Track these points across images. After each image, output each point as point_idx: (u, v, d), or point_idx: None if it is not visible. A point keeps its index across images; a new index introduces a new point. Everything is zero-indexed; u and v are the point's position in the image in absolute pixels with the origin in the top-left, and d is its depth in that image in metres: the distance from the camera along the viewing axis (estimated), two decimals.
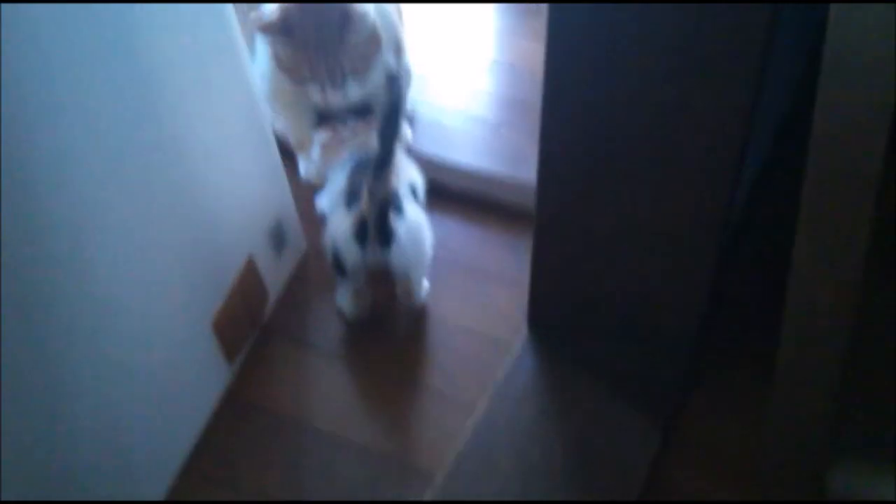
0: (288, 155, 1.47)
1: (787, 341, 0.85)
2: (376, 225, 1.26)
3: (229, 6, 1.18)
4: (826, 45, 0.67)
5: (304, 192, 1.55)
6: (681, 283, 1.18)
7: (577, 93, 1.04)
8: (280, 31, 1.37)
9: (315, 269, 1.51)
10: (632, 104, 1.01)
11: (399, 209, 1.29)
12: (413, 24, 1.81)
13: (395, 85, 1.22)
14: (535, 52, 1.86)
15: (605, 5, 0.93)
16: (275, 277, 1.44)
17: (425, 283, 1.45)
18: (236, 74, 1.22)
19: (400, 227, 1.28)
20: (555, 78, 1.03)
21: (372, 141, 1.39)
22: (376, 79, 1.45)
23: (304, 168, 1.52)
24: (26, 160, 0.86)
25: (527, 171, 1.56)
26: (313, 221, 1.54)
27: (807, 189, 0.75)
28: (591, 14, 0.95)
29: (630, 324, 1.27)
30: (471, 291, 1.48)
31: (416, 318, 1.44)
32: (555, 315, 1.33)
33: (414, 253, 1.33)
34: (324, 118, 1.52)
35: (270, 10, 1.37)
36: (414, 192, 1.37)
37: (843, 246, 0.75)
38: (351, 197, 1.30)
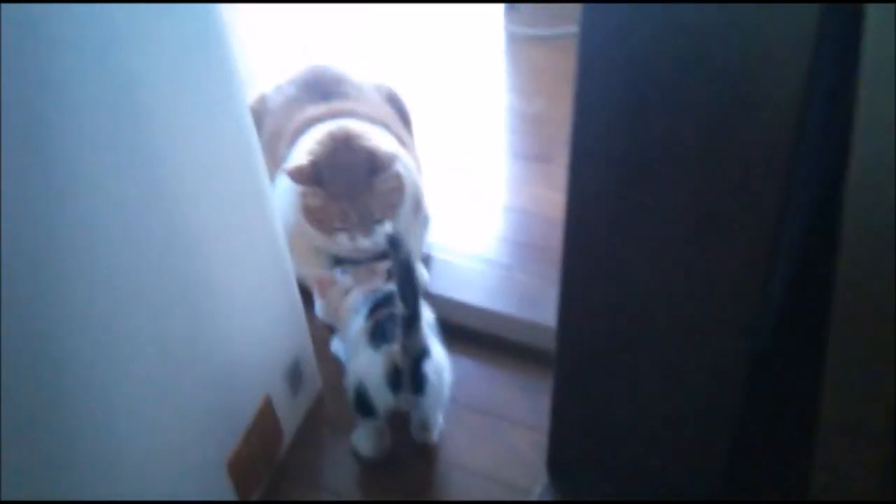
0: (303, 293, 1.49)
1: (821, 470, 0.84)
2: (411, 374, 1.27)
3: (259, 154, 1.23)
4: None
5: (320, 332, 1.56)
6: (706, 423, 1.17)
7: (597, 239, 1.06)
8: (311, 181, 1.40)
9: (329, 409, 1.50)
10: (653, 254, 1.03)
11: (428, 354, 1.29)
12: (429, 171, 1.87)
13: (398, 246, 1.21)
14: (546, 199, 1.94)
15: (626, 156, 0.97)
16: (290, 417, 1.43)
17: (440, 420, 1.44)
18: (261, 213, 1.26)
19: (430, 370, 1.28)
20: (575, 224, 1.06)
21: (379, 281, 1.46)
22: (401, 226, 1.48)
23: (320, 308, 1.53)
24: (44, 299, 0.88)
25: (542, 314, 1.59)
26: (328, 361, 1.54)
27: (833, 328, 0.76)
28: (612, 162, 0.98)
29: (655, 464, 1.25)
30: (487, 434, 1.46)
31: (430, 461, 1.42)
32: (576, 459, 1.31)
33: (440, 392, 1.33)
34: (339, 261, 1.55)
35: (298, 158, 1.41)
36: (431, 328, 1.38)
37: (879, 363, 0.75)
38: (375, 338, 1.30)
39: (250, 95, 1.69)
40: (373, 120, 1.63)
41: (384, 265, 1.49)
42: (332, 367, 1.54)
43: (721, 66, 0.87)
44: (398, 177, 1.46)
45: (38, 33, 0.81)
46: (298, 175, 1.39)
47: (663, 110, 0.92)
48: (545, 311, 1.38)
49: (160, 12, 0.97)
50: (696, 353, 1.10)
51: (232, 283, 1.21)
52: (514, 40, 2.64)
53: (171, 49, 1.00)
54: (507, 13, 2.71)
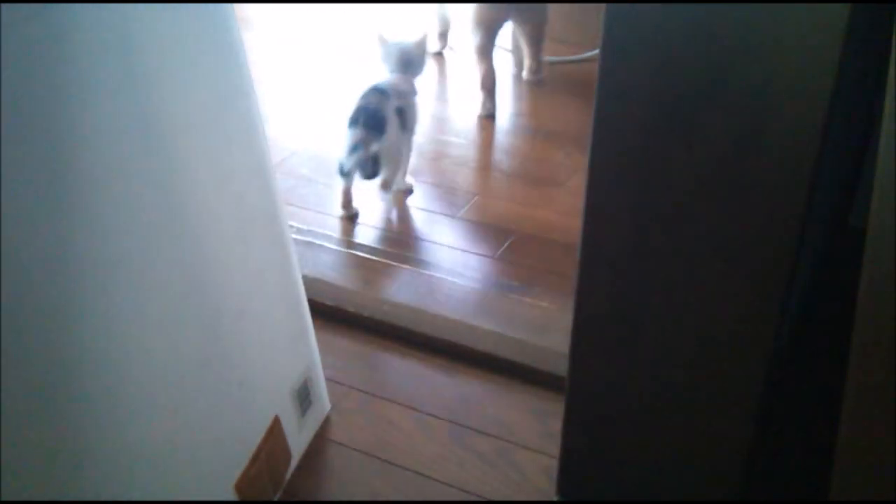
0: (315, 312, 1.49)
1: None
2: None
3: (273, 173, 1.23)
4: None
5: (329, 356, 1.56)
6: (722, 449, 1.16)
7: (613, 263, 1.06)
8: None
9: (337, 431, 1.49)
10: (669, 279, 1.03)
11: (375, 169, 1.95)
12: (439, 194, 1.88)
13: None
14: (557, 224, 1.95)
15: (645, 181, 0.97)
16: (298, 439, 1.42)
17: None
18: (273, 232, 1.26)
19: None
20: (591, 248, 1.06)
21: None
22: None
23: None
24: (57, 318, 0.87)
25: (552, 338, 1.58)
26: (338, 383, 1.54)
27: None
28: (630, 186, 0.99)
29: (669, 491, 1.23)
30: (496, 458, 1.45)
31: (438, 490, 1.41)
32: (587, 484, 1.30)
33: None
34: None
35: None
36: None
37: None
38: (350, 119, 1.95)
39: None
40: None
41: None
42: (342, 392, 1.54)
43: (741, 92, 0.87)
44: None
45: (60, 49, 0.81)
46: None
47: (682, 135, 0.93)
48: (555, 336, 1.38)
49: (187, 43, 0.97)
50: (712, 378, 1.10)
51: (243, 301, 1.20)
52: (524, 66, 2.65)
53: (192, 73, 1.01)
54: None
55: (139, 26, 0.91)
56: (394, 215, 2.08)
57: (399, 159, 2.06)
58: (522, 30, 2.53)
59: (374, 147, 1.94)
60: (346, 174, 1.97)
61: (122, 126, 0.90)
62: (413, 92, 2.12)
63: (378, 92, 2.02)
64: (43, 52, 0.79)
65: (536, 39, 2.53)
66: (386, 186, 2.03)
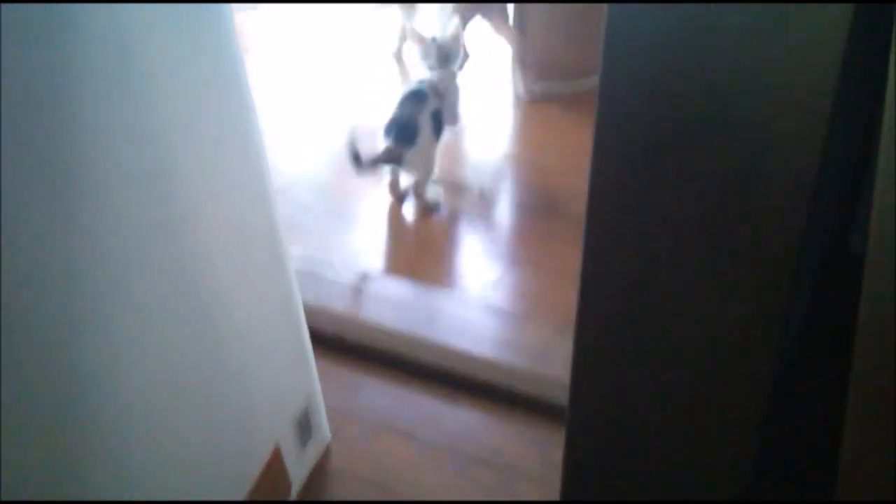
0: (316, 341, 1.49)
1: None
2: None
3: (274, 201, 1.24)
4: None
5: (330, 384, 1.55)
6: (724, 477, 1.15)
7: (613, 292, 1.06)
8: None
9: (337, 460, 1.49)
10: (669, 307, 1.03)
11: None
12: (438, 225, 1.88)
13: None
14: (556, 252, 1.95)
15: (644, 209, 0.97)
16: (298, 469, 1.41)
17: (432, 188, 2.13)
18: (274, 260, 1.26)
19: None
20: (591, 276, 1.06)
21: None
22: None
23: None
24: (57, 344, 0.88)
25: (552, 366, 1.58)
26: (338, 412, 1.53)
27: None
28: (629, 215, 0.99)
29: None
30: (497, 488, 1.44)
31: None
32: None
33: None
34: None
35: None
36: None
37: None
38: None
39: None
40: None
41: None
42: (343, 421, 1.53)
43: (739, 125, 0.88)
44: None
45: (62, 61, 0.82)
46: None
47: (681, 167, 0.93)
48: (555, 364, 1.37)
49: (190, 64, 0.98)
50: (714, 408, 1.10)
51: (244, 329, 1.20)
52: (522, 96, 2.67)
53: (194, 98, 1.02)
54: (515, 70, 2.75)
55: (142, 49, 0.91)
56: (392, 242, 2.08)
57: (427, 164, 2.16)
58: (494, 28, 2.70)
59: (404, 155, 2.08)
60: (360, 167, 2.04)
61: (123, 149, 0.91)
62: (454, 88, 2.25)
63: (415, 98, 2.13)
64: (44, 70, 0.80)
65: (512, 43, 2.69)
66: (419, 192, 2.16)
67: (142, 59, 0.91)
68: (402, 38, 3.00)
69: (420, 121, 2.09)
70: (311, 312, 1.49)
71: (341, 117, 2.60)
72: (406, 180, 2.19)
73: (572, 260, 1.05)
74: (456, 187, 2.27)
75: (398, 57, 3.02)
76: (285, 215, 1.28)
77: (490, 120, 2.60)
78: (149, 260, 0.98)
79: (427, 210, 2.17)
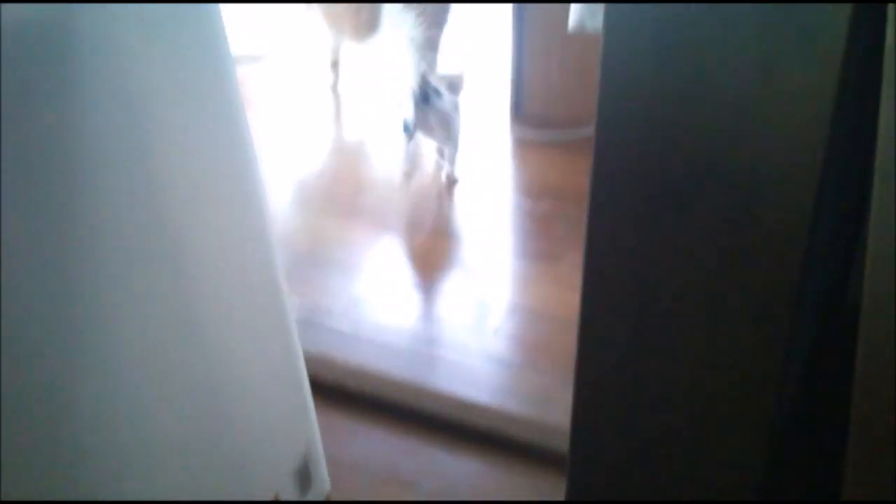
0: (316, 389, 1.49)
1: None
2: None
3: (275, 249, 1.25)
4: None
5: (329, 434, 1.55)
6: None
7: (612, 338, 1.07)
8: None
9: None
10: (669, 353, 1.04)
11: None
12: (437, 271, 1.89)
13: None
14: (556, 298, 1.95)
15: (641, 255, 0.98)
16: None
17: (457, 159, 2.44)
18: (274, 307, 1.26)
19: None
20: (590, 323, 1.07)
21: None
22: None
23: None
24: (69, 405, 0.88)
25: (552, 414, 1.58)
26: (338, 462, 1.52)
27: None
28: (626, 261, 1.00)
29: None
30: None
31: None
32: None
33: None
34: None
35: None
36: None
37: None
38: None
39: None
40: None
41: None
42: (343, 471, 1.52)
43: (733, 172, 0.90)
44: None
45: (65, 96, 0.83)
46: None
47: (676, 211, 0.94)
48: (556, 412, 1.37)
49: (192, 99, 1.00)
50: (714, 455, 1.09)
51: (245, 377, 1.20)
52: (520, 144, 2.71)
53: (198, 149, 1.04)
54: (514, 119, 2.79)
55: (148, 107, 0.93)
56: (390, 291, 2.09)
57: (452, 126, 2.44)
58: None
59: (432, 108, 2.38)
60: (408, 130, 2.36)
61: (125, 202, 0.92)
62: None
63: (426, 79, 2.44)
64: (48, 119, 0.82)
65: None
66: (451, 156, 2.47)
67: (148, 118, 0.93)
68: (335, 68, 3.20)
69: (439, 85, 2.40)
70: (310, 361, 1.49)
71: (342, 168, 2.63)
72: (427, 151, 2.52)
73: (572, 307, 1.06)
74: (453, 235, 2.28)
75: (334, 89, 3.21)
76: (285, 264, 1.30)
77: (487, 164, 2.63)
78: (151, 311, 0.99)
79: (451, 181, 2.47)
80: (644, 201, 0.96)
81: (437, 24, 2.72)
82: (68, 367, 0.87)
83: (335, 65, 3.16)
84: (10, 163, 0.76)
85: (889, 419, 0.78)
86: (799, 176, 0.86)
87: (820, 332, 1.24)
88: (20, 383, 0.80)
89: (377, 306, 2.03)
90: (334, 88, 3.16)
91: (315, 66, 3.19)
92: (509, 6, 2.73)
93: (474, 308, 1.95)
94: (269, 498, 1.30)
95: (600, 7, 0.96)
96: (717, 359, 1.01)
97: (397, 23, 2.76)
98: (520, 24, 2.74)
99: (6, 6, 0.75)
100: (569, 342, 1.09)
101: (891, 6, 0.71)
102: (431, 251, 2.24)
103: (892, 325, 0.78)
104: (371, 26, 2.86)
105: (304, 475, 1.40)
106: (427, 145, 2.53)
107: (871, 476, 0.80)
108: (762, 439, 1.05)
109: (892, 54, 0.73)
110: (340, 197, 2.50)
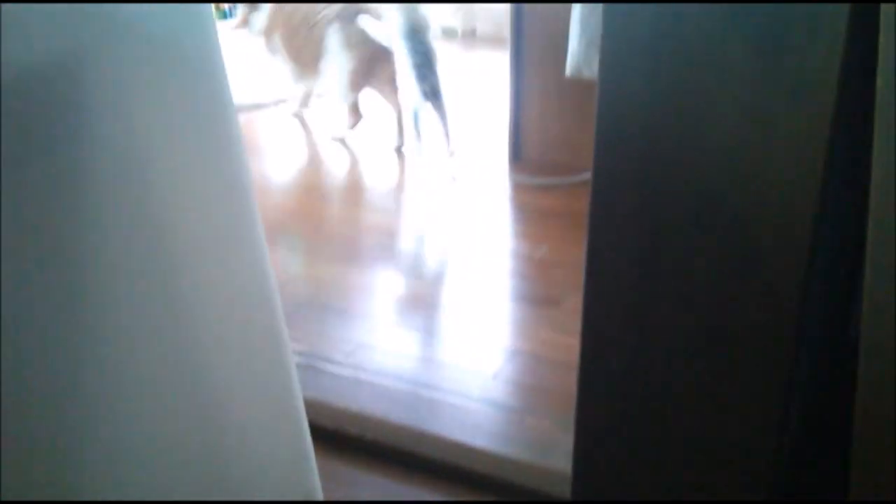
0: (316, 436, 1.48)
1: None
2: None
3: (276, 293, 1.25)
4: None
5: (330, 481, 1.54)
6: None
7: (613, 383, 1.07)
8: None
9: None
10: (670, 398, 1.04)
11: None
12: (437, 314, 1.90)
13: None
14: (555, 342, 1.95)
15: (640, 300, 0.99)
16: None
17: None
18: (277, 355, 1.26)
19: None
20: (590, 368, 1.07)
21: None
22: None
23: None
24: (70, 452, 0.88)
25: (553, 459, 1.57)
26: None
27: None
28: (625, 305, 1.00)
29: None
30: None
31: None
32: None
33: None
34: None
35: None
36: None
37: None
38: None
39: None
40: None
41: None
42: None
43: (728, 217, 0.90)
44: None
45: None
46: None
47: (675, 256, 0.95)
48: (556, 457, 1.37)
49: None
50: (717, 499, 1.09)
51: (244, 427, 1.20)
52: (519, 189, 2.73)
53: (203, 204, 1.05)
54: (512, 163, 2.82)
55: (150, 151, 0.94)
56: (391, 338, 2.09)
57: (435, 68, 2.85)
58: (383, 97, 3.28)
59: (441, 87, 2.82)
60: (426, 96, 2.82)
61: (125, 250, 0.93)
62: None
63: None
64: (57, 191, 0.83)
65: (397, 111, 3.22)
66: (452, 148, 2.89)
67: (150, 165, 0.94)
68: (304, 103, 3.59)
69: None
70: (310, 407, 1.48)
71: (340, 213, 2.64)
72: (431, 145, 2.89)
73: (571, 351, 1.06)
74: (452, 279, 2.29)
75: (300, 117, 3.57)
76: (284, 309, 1.30)
77: (486, 209, 2.64)
78: (151, 359, 0.99)
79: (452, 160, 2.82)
80: (642, 246, 0.96)
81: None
82: (67, 423, 0.87)
83: (305, 100, 3.47)
84: (9, 213, 0.77)
85: (891, 454, 0.78)
86: (795, 219, 0.87)
87: (821, 372, 1.24)
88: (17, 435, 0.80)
89: (377, 351, 2.03)
90: (299, 115, 3.52)
91: (311, 113, 3.23)
92: (507, 54, 2.77)
93: (474, 352, 1.95)
94: None
95: (596, 53, 0.98)
96: (719, 403, 1.01)
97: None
98: (518, 70, 2.77)
99: (9, 50, 0.76)
100: (569, 386, 1.09)
101: (880, 54, 0.73)
102: (430, 295, 2.24)
103: (891, 359, 0.78)
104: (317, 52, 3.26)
105: None
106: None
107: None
108: (763, 486, 1.04)
109: (882, 104, 0.74)
110: (339, 242, 2.51)
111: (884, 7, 0.73)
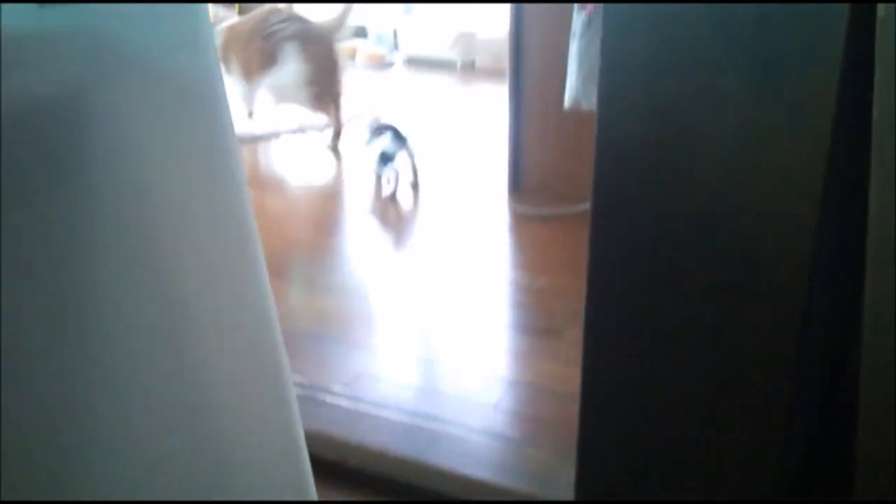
0: (316, 467, 1.47)
1: None
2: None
3: (277, 326, 1.25)
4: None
5: None
6: None
7: (615, 413, 1.07)
8: None
9: None
10: (672, 427, 1.04)
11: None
12: (436, 344, 1.89)
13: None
14: (556, 373, 1.95)
15: (641, 330, 0.99)
16: None
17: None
18: (278, 386, 1.26)
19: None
20: (592, 399, 1.07)
21: None
22: None
23: None
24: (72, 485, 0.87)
25: (555, 490, 1.55)
26: None
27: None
28: (626, 336, 1.00)
29: None
30: None
31: None
32: None
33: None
34: None
35: None
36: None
37: None
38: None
39: None
40: None
41: None
42: None
43: (726, 241, 0.91)
44: None
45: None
46: None
47: (674, 284, 0.95)
48: (557, 488, 1.36)
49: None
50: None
51: (245, 459, 1.19)
52: (518, 219, 2.73)
53: (207, 241, 1.05)
54: (512, 194, 2.83)
55: (152, 184, 0.95)
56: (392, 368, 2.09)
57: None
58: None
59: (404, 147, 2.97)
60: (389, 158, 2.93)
61: (128, 281, 0.93)
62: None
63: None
64: (53, 198, 0.83)
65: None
66: (416, 182, 3.01)
67: (151, 198, 0.94)
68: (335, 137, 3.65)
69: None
70: (311, 438, 1.48)
71: (339, 244, 2.65)
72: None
73: (572, 382, 1.06)
74: (452, 309, 2.28)
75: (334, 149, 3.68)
76: (285, 339, 1.30)
77: (485, 239, 2.65)
78: (150, 388, 0.98)
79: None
80: (641, 275, 0.97)
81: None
82: (68, 447, 0.86)
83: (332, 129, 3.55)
84: (12, 247, 0.77)
85: (892, 478, 0.78)
86: (795, 244, 0.87)
87: (822, 404, 1.24)
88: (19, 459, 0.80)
89: (377, 382, 2.02)
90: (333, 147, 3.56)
91: (314, 145, 3.25)
92: (506, 86, 2.79)
93: (474, 383, 1.94)
94: None
95: (594, 86, 0.99)
96: (721, 434, 1.01)
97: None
98: (517, 102, 2.80)
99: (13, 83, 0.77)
100: (570, 417, 1.09)
101: (876, 80, 0.74)
102: (429, 326, 2.24)
103: (891, 390, 0.78)
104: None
105: None
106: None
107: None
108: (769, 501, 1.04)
109: (879, 129, 0.75)
110: (338, 272, 2.51)
111: (879, 34, 0.73)
